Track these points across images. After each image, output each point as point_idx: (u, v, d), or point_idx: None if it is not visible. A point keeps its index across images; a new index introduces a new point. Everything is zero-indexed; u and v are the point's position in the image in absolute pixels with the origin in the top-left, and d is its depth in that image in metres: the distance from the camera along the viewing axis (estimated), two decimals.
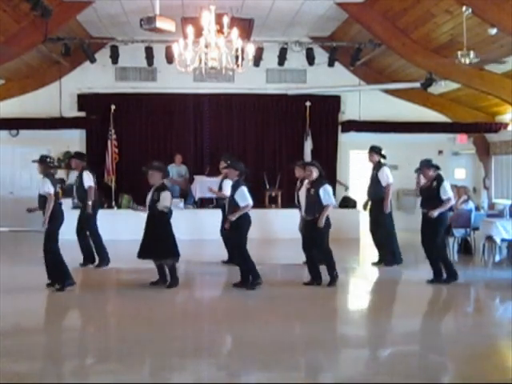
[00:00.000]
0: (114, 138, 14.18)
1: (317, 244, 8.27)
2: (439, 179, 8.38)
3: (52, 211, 7.79)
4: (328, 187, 8.25)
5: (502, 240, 9.92)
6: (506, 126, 14.34)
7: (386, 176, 9.79)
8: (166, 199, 7.98)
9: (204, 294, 8.45)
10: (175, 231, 8.13)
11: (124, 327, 6.47)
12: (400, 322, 6.91)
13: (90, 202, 9.40)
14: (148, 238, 8.09)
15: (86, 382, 4.89)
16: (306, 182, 8.44)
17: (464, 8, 9.43)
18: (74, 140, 14.57)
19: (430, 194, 8.37)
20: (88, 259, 9.67)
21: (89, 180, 9.50)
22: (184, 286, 8.49)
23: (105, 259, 9.63)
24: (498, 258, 10.30)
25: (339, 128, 15.36)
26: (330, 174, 15.10)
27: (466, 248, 11.22)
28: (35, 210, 8.03)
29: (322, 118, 15.14)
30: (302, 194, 8.47)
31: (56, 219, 7.92)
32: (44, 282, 8.07)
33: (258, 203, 13.45)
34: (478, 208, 11.65)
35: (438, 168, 8.46)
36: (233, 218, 8.05)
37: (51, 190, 7.75)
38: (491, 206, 14.76)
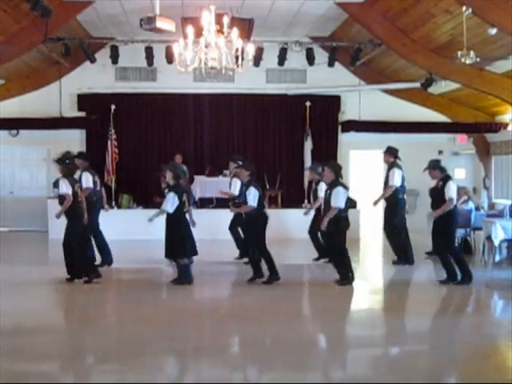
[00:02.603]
0: (114, 138, 14.17)
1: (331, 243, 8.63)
2: (445, 179, 8.37)
3: (74, 211, 8.06)
4: (341, 189, 8.26)
5: (505, 240, 9.92)
6: (506, 125, 14.33)
7: (393, 177, 9.94)
8: (166, 200, 8.12)
9: (204, 294, 8.45)
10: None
11: (124, 327, 6.47)
12: (400, 323, 6.90)
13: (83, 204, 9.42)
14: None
15: (86, 382, 4.89)
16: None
17: (464, 8, 9.43)
18: (74, 140, 14.54)
19: (437, 195, 8.39)
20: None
21: (86, 181, 9.54)
22: (184, 285, 8.49)
23: (107, 259, 9.63)
24: (497, 258, 10.29)
25: (339, 128, 15.35)
26: None
27: (466, 248, 11.21)
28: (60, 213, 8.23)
29: (322, 118, 15.12)
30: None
31: (78, 218, 8.15)
32: (43, 282, 8.11)
33: None
34: (478, 208, 11.64)
35: (444, 170, 8.49)
36: (233, 210, 9.01)
37: (69, 190, 8.01)
38: (491, 205, 14.75)
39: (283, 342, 5.79)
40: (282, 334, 6.06)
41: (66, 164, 8.22)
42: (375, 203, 10.17)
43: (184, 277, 8.27)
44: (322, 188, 9.40)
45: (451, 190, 8.26)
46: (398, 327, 6.74)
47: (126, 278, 9.44)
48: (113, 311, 7.55)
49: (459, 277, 8.35)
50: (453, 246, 8.46)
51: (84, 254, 8.22)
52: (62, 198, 8.07)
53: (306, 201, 10.06)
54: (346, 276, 8.37)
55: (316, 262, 10.12)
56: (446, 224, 8.27)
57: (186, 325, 6.51)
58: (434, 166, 8.48)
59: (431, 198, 8.62)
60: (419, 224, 11.10)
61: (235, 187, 9.74)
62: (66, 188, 8.00)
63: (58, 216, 8.18)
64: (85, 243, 8.31)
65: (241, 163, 9.55)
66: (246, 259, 9.32)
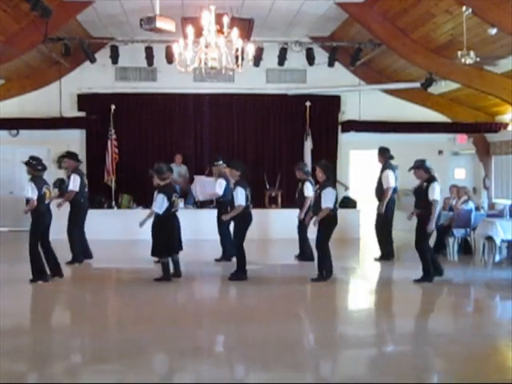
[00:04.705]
0: (114, 138, 14.17)
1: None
2: (430, 180, 8.44)
3: (38, 212, 8.15)
4: (330, 190, 8.43)
5: (502, 241, 9.93)
6: (506, 125, 14.34)
7: (387, 179, 10.13)
8: (155, 202, 8.32)
9: (204, 294, 8.45)
10: None
11: (124, 327, 6.47)
12: (400, 322, 6.91)
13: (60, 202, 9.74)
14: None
15: (85, 382, 4.89)
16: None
17: (464, 8, 9.44)
18: (74, 140, 14.56)
19: (420, 195, 8.51)
20: (85, 255, 9.87)
21: (73, 184, 9.71)
22: (184, 285, 8.50)
23: (78, 258, 9.81)
24: (497, 258, 10.31)
25: (339, 128, 15.36)
26: None
27: (466, 248, 11.22)
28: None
29: (322, 118, 15.12)
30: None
31: (41, 220, 8.23)
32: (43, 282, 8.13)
33: (258, 203, 13.51)
34: (478, 208, 11.64)
35: (428, 170, 8.54)
36: (225, 218, 8.81)
37: (34, 195, 8.07)
38: (491, 205, 14.75)
39: (283, 342, 5.78)
40: (281, 334, 6.06)
41: (33, 166, 8.27)
42: (381, 209, 10.20)
43: (164, 274, 8.45)
44: (308, 187, 9.54)
45: (435, 192, 8.34)
46: (396, 327, 6.75)
47: (125, 277, 9.44)
48: (112, 311, 7.55)
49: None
50: (425, 243, 8.61)
51: (35, 254, 8.25)
52: (27, 201, 8.15)
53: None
54: (321, 274, 8.56)
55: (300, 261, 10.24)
56: (423, 223, 8.47)
57: (186, 324, 6.51)
58: (419, 166, 8.59)
59: (415, 197, 8.77)
60: None
61: (220, 187, 9.88)
62: (31, 192, 8.09)
63: (25, 212, 8.28)
64: (37, 245, 8.33)
65: (221, 162, 9.83)
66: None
